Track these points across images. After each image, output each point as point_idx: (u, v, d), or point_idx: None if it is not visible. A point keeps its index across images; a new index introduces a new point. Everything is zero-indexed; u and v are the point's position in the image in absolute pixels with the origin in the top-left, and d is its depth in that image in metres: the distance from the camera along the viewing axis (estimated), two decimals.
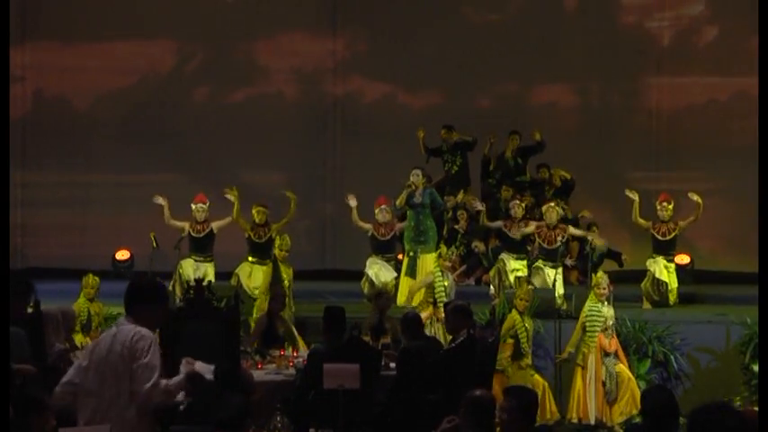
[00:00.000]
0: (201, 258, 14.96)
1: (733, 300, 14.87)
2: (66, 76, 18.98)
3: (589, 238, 14.86)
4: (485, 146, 17.09)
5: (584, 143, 17.11)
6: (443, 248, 14.14)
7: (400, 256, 15.71)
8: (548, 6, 18.77)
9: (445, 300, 12.87)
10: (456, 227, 16.36)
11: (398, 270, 15.33)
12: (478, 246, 16.16)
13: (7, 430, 6.96)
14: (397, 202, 15.23)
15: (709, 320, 13.77)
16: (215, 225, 15.00)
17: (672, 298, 14.69)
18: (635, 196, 14.77)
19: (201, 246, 14.97)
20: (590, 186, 16.81)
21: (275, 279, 13.75)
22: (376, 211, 15.14)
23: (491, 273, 15.06)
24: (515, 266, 14.80)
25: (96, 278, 13.35)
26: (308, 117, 18.73)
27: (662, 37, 18.44)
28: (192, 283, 11.29)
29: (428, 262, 14.42)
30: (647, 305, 14.62)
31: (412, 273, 14.81)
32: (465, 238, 16.30)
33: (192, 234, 14.98)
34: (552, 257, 14.57)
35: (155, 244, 14.70)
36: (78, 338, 12.29)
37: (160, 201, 15.13)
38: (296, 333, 12.73)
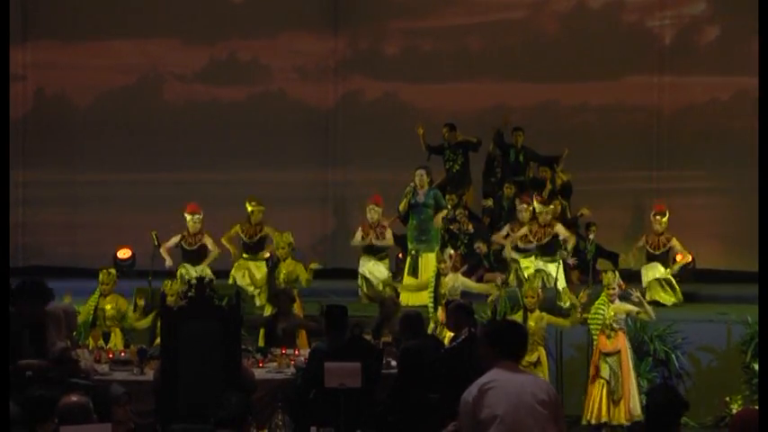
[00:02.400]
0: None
1: (734, 299, 14.87)
2: (67, 74, 18.96)
3: (565, 238, 14.81)
4: (490, 144, 17.09)
5: (584, 142, 17.08)
6: (438, 252, 14.14)
7: (400, 255, 15.73)
8: (548, 6, 18.76)
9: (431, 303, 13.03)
10: (451, 227, 16.24)
11: (398, 269, 15.32)
12: (481, 247, 16.12)
13: (7, 430, 6.96)
14: (400, 208, 15.23)
15: (710, 319, 13.79)
16: (208, 243, 14.78)
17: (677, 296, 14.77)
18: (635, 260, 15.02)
19: (195, 258, 14.78)
20: (590, 186, 16.79)
21: (270, 280, 13.74)
22: (367, 209, 15.12)
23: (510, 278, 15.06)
24: (525, 265, 14.86)
25: (112, 271, 13.34)
26: (310, 116, 18.71)
27: (663, 36, 18.43)
28: (194, 281, 11.26)
29: (430, 261, 14.41)
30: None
31: (414, 272, 14.83)
32: (467, 238, 16.25)
33: (185, 247, 14.83)
34: (549, 253, 14.60)
35: (156, 242, 14.70)
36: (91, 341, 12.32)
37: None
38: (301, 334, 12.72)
